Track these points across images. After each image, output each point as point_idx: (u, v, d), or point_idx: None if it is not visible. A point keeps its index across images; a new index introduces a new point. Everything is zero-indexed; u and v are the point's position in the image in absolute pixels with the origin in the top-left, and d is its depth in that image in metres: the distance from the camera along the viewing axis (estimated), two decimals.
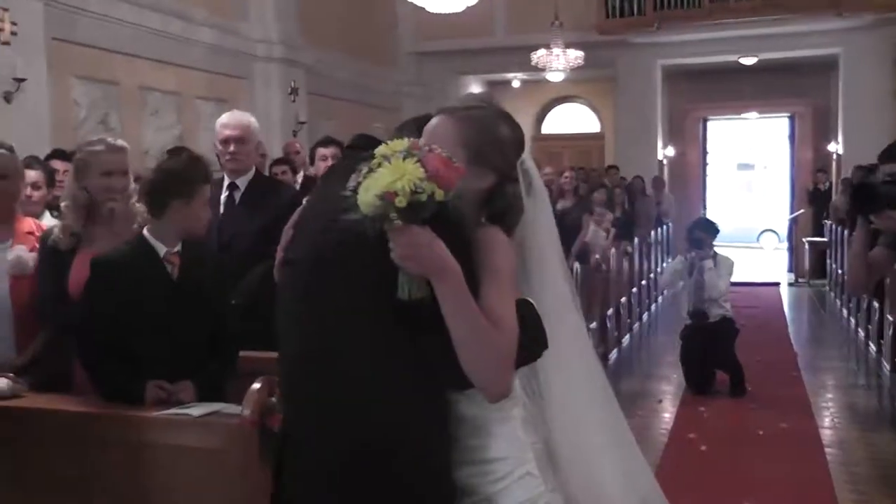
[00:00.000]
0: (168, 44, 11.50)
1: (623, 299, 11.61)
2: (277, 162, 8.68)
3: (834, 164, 19.18)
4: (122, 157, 4.22)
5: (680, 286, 9.18)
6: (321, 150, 6.57)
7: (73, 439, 3.54)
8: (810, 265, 18.18)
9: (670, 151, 20.90)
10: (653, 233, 15.70)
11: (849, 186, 17.15)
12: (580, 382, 2.74)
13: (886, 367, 9.82)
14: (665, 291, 14.34)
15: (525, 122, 21.75)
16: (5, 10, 8.68)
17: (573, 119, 23.13)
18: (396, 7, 17.80)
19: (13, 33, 8.76)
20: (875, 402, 9.21)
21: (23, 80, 8.77)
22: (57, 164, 6.54)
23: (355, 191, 2.18)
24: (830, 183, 18.81)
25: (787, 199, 22.06)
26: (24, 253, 4.25)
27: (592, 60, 17.09)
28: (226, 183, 5.32)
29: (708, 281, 8.90)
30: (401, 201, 2.12)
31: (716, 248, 9.27)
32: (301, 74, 14.08)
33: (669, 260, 16.74)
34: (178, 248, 3.84)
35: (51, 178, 5.83)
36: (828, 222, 16.74)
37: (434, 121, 2.54)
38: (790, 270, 19.30)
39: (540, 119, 23.10)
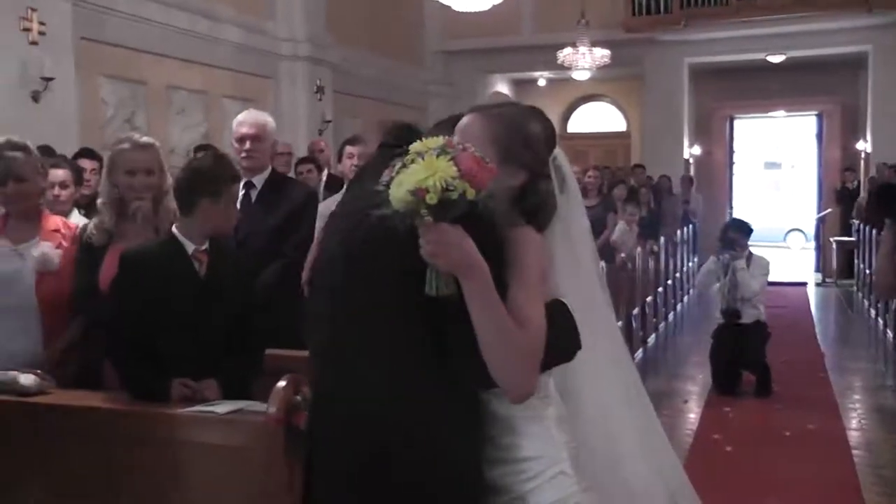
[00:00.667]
0: (195, 43, 11.55)
1: (649, 298, 11.57)
2: (302, 161, 8.71)
3: (862, 162, 19.07)
4: (147, 156, 4.23)
5: (715, 287, 9.14)
6: (349, 149, 6.57)
7: (99, 436, 3.55)
8: (838, 265, 18.06)
9: (697, 150, 20.82)
10: (679, 232, 15.63)
11: (874, 186, 17.10)
12: (612, 380, 2.75)
13: None
14: (696, 291, 14.28)
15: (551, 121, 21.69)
16: (34, 10, 8.74)
17: (599, 118, 23.06)
18: (423, 5, 17.80)
19: (41, 33, 8.82)
20: None
21: (51, 79, 8.83)
22: (84, 163, 6.60)
23: (388, 186, 2.19)
24: (858, 182, 18.68)
25: (815, 199, 21.93)
26: (49, 250, 4.30)
27: (619, 59, 17.04)
28: (242, 181, 5.35)
29: (741, 281, 8.86)
30: (432, 198, 2.13)
31: (750, 248, 9.23)
32: (327, 73, 14.10)
33: (696, 259, 16.71)
34: (205, 245, 3.86)
35: (78, 177, 5.88)
36: (855, 222, 16.63)
37: (465, 119, 2.55)
38: (817, 270, 19.19)
39: (566, 118, 23.04)
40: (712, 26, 17.55)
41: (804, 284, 18.07)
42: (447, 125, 2.60)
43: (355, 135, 7.12)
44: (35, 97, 8.76)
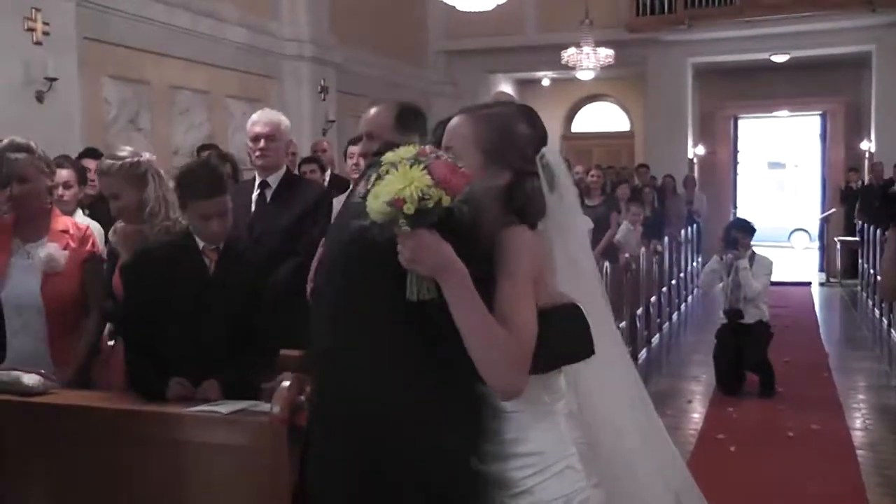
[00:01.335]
0: (199, 43, 11.55)
1: (653, 298, 11.56)
2: (306, 161, 8.71)
3: (866, 162, 19.03)
4: (106, 182, 4.26)
5: (719, 286, 9.13)
6: (351, 148, 6.58)
7: (103, 436, 3.55)
8: (842, 265, 18.05)
9: (701, 150, 20.80)
10: (683, 232, 15.62)
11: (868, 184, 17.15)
12: (615, 379, 2.76)
13: None
14: (700, 291, 14.27)
15: (555, 121, 21.75)
16: (37, 10, 8.74)
17: (603, 118, 23.05)
18: (427, 5, 17.82)
19: (45, 33, 8.82)
20: None
21: (54, 79, 8.83)
22: (88, 163, 6.61)
23: (364, 197, 2.25)
24: (862, 182, 18.66)
25: (819, 198, 21.91)
26: (55, 251, 4.32)
27: (622, 59, 17.04)
28: (257, 181, 5.36)
29: (743, 281, 8.85)
30: (409, 208, 2.19)
31: (753, 248, 9.22)
32: (331, 73, 14.09)
33: (699, 259, 16.69)
34: (218, 244, 3.88)
35: (82, 177, 5.89)
36: (859, 222, 16.62)
37: (454, 120, 2.59)
38: (821, 270, 19.17)
39: (570, 118, 23.03)
40: (716, 26, 17.53)
41: (808, 284, 18.05)
42: (442, 128, 2.64)
43: (359, 135, 7.11)
44: (39, 97, 8.76)
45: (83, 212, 5.66)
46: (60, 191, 5.55)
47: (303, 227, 5.22)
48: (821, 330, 12.99)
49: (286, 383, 3.21)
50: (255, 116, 5.44)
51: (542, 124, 2.65)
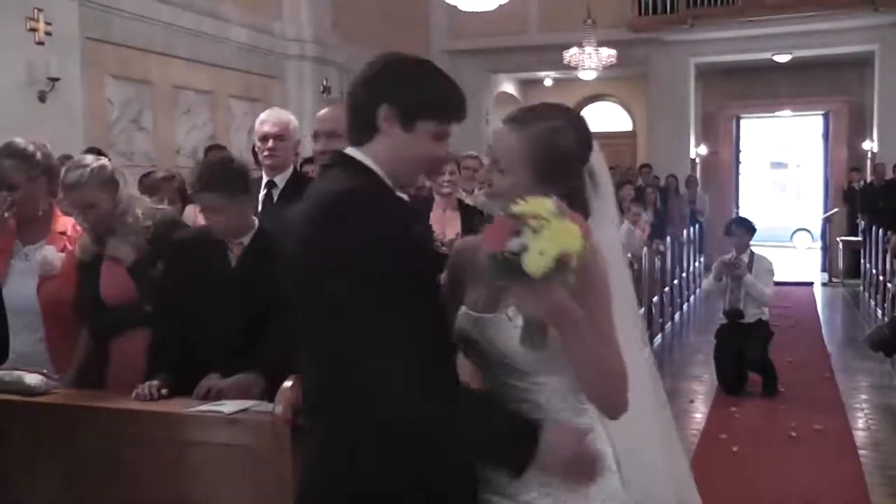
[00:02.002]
0: (201, 43, 11.57)
1: (655, 298, 11.55)
2: (308, 161, 8.70)
3: (869, 162, 19.02)
4: (78, 195, 4.09)
5: (723, 282, 9.09)
6: None
7: (106, 436, 3.56)
8: (844, 265, 18.04)
9: (703, 150, 20.79)
10: (685, 232, 15.62)
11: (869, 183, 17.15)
12: (643, 386, 2.73)
13: None
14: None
15: None
16: (40, 10, 8.76)
17: (605, 118, 23.03)
18: (429, 5, 17.83)
19: (48, 33, 8.84)
20: None
21: (57, 79, 8.84)
22: None
23: (517, 254, 2.14)
24: (865, 181, 18.65)
25: (821, 198, 21.90)
26: (50, 253, 4.30)
27: (625, 59, 17.04)
28: (264, 181, 5.35)
29: (754, 293, 8.84)
30: (575, 262, 2.15)
31: (752, 248, 9.21)
32: (334, 73, 14.10)
33: (702, 259, 16.70)
34: (243, 238, 3.93)
35: None
36: (862, 221, 16.61)
37: (502, 132, 2.55)
38: (824, 270, 19.15)
39: None
40: (718, 26, 17.53)
41: (810, 284, 18.03)
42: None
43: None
44: (41, 97, 8.77)
45: None
46: None
47: None
48: (823, 330, 12.98)
49: (289, 383, 3.21)
50: (263, 115, 5.41)
51: (589, 132, 2.60)
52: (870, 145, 18.94)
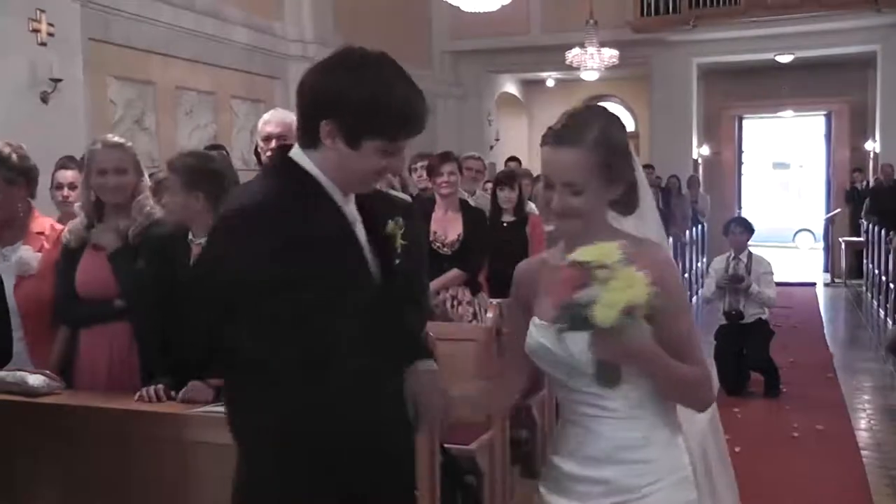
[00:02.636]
0: (203, 44, 11.56)
1: None
2: None
3: (871, 162, 19.01)
4: (117, 154, 4.15)
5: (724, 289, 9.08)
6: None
7: (109, 436, 3.56)
8: (847, 265, 18.02)
9: (705, 150, 20.78)
10: (688, 232, 15.61)
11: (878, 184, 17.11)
12: None
13: None
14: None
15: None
16: (42, 11, 8.75)
17: None
18: (431, 6, 17.81)
19: (50, 34, 8.83)
20: None
21: (59, 80, 8.83)
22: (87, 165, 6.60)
23: (585, 306, 2.19)
24: (867, 182, 18.64)
25: (824, 199, 21.89)
26: (26, 253, 4.32)
27: (627, 59, 17.02)
28: None
29: (757, 298, 8.84)
30: (642, 311, 2.21)
31: (750, 248, 9.21)
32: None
33: (704, 259, 16.68)
34: (204, 238, 3.89)
35: None
36: (865, 222, 16.59)
37: (560, 155, 2.47)
38: (826, 270, 19.13)
39: None
40: (721, 26, 17.51)
41: (813, 285, 18.01)
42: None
43: None
44: (44, 98, 8.76)
45: None
46: (66, 191, 5.56)
47: None
48: (825, 330, 12.97)
49: None
50: (267, 116, 5.41)
51: (619, 118, 2.65)
52: (872, 146, 18.93)
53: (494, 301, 5.94)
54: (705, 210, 18.26)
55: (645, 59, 18.69)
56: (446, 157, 6.83)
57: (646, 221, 2.66)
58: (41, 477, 3.67)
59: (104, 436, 3.57)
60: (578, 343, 2.38)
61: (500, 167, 12.31)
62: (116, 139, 4.27)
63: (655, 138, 19.62)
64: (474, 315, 6.30)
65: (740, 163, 22.62)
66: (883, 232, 13.81)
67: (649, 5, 17.78)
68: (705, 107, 20.64)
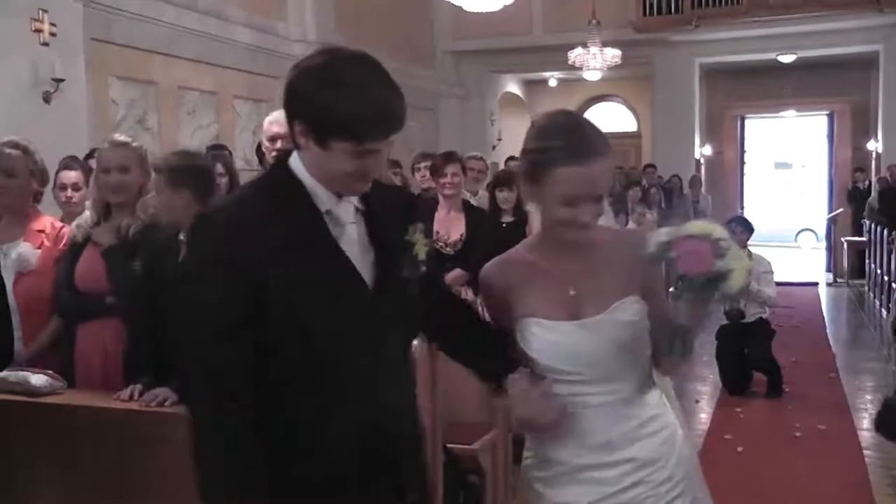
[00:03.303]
0: (206, 44, 11.57)
1: None
2: None
3: (873, 162, 19.01)
4: (121, 153, 4.20)
5: None
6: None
7: (112, 436, 3.57)
8: (849, 265, 18.00)
9: (708, 150, 20.78)
10: None
11: (885, 185, 17.04)
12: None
13: None
14: None
15: None
16: (45, 11, 8.76)
17: (610, 118, 23.02)
18: (433, 6, 17.81)
19: (52, 34, 8.84)
20: None
21: (62, 80, 8.84)
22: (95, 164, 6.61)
23: (727, 273, 2.37)
24: (869, 182, 18.63)
25: (826, 199, 21.88)
26: (26, 250, 4.38)
27: (629, 59, 17.01)
28: None
29: (756, 297, 8.83)
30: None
31: (751, 248, 9.20)
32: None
33: None
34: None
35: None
36: (867, 221, 16.57)
37: (596, 169, 2.49)
38: (828, 270, 19.13)
39: None
40: (723, 26, 17.50)
41: (815, 285, 18.00)
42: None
43: None
44: (46, 98, 8.77)
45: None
46: (69, 192, 5.57)
47: None
48: (828, 330, 12.97)
49: None
50: (273, 116, 5.40)
51: None
52: (874, 145, 18.92)
53: None
54: (707, 210, 18.22)
55: (647, 59, 18.69)
56: (450, 157, 6.84)
57: (606, 215, 2.85)
58: (41, 477, 3.67)
59: (104, 436, 3.58)
60: (604, 331, 2.55)
61: (503, 167, 12.32)
62: (123, 138, 4.32)
63: (657, 138, 19.61)
64: None
65: (742, 163, 22.63)
66: (885, 232, 13.80)
67: (651, 5, 17.77)
68: (707, 107, 20.65)
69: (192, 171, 3.97)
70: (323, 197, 2.35)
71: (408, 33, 17.08)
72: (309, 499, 2.36)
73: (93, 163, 6.52)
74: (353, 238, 2.40)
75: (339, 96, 2.24)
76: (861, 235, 17.22)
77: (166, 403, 3.57)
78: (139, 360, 3.85)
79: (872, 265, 15.53)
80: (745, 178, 22.98)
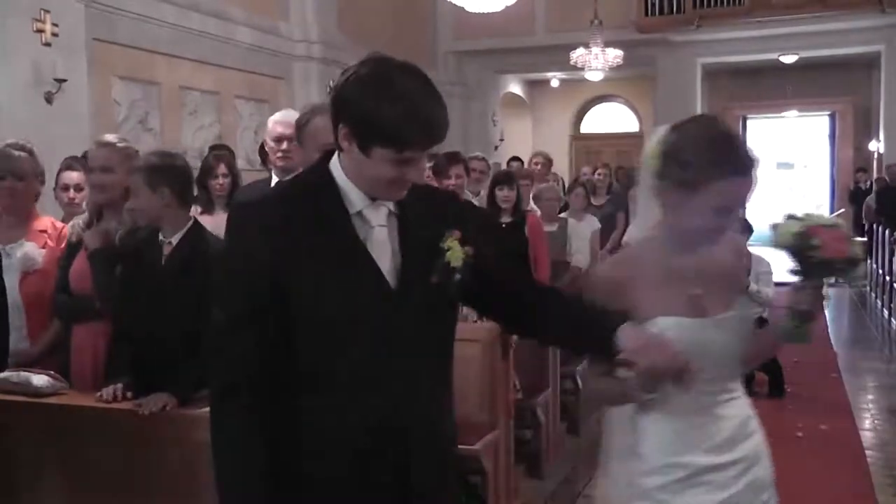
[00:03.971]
0: (208, 44, 11.58)
1: None
2: None
3: (875, 162, 19.00)
4: (103, 153, 4.23)
5: None
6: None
7: (114, 437, 3.57)
8: None
9: None
10: None
11: (883, 185, 17.03)
12: None
13: None
14: None
15: (563, 122, 21.75)
16: (47, 11, 8.77)
17: (612, 118, 23.04)
18: (435, 6, 17.82)
19: (54, 34, 8.85)
20: None
21: (64, 80, 8.85)
22: None
23: (854, 259, 2.60)
24: (871, 182, 18.63)
25: (828, 199, 21.87)
26: (31, 249, 4.43)
27: (631, 59, 17.03)
28: (273, 181, 5.33)
29: (757, 300, 8.83)
30: None
31: (750, 248, 9.19)
32: (340, 73, 14.04)
33: None
34: (173, 237, 3.91)
35: None
36: (866, 222, 16.56)
37: (754, 182, 2.81)
38: None
39: (579, 118, 23.01)
40: (725, 26, 17.51)
41: None
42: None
43: None
44: (48, 98, 8.78)
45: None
46: (71, 193, 5.56)
47: None
48: (829, 330, 12.94)
49: None
50: (278, 116, 5.39)
51: None
52: (876, 145, 18.92)
53: None
54: None
55: (649, 60, 18.69)
56: (454, 158, 6.83)
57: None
58: (42, 477, 3.67)
59: (105, 436, 3.58)
60: (731, 327, 2.68)
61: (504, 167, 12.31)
62: (109, 138, 4.35)
63: None
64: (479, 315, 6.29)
65: None
66: (887, 232, 13.79)
67: (653, 5, 17.79)
68: (709, 107, 20.63)
69: (170, 171, 3.96)
70: (355, 198, 2.39)
71: (410, 33, 17.08)
72: (312, 497, 2.39)
73: None
74: (380, 240, 2.41)
75: (384, 104, 2.30)
76: (862, 236, 17.19)
77: (167, 409, 3.58)
78: (117, 361, 3.87)
79: (874, 266, 15.52)
80: None
